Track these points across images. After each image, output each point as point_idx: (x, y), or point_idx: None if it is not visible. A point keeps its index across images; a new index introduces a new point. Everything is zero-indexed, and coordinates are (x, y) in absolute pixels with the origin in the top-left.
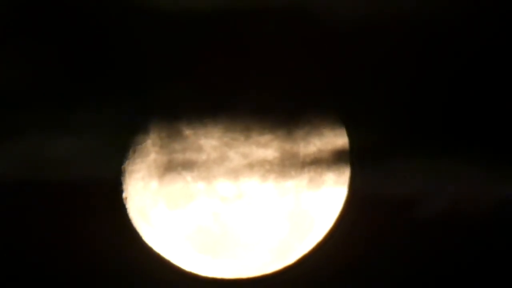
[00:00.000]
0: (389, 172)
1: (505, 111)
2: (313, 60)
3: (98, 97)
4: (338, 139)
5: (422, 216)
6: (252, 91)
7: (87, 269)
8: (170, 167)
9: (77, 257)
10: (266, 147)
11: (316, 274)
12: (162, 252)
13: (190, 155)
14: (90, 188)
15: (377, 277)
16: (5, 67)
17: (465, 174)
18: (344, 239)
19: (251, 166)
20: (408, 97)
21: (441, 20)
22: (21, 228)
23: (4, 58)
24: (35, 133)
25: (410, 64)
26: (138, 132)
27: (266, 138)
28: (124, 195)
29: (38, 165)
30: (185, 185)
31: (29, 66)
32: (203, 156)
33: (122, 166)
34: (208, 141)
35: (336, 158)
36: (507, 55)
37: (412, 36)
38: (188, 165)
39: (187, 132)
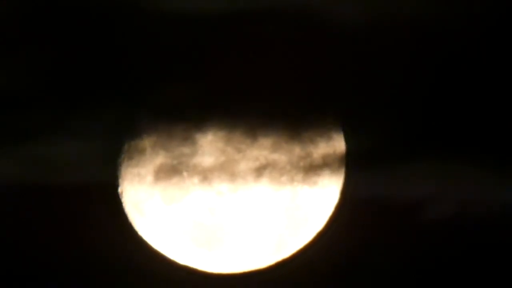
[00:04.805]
0: (391, 175)
1: (510, 112)
2: (312, 64)
3: (97, 95)
4: (336, 142)
5: (427, 219)
6: (252, 93)
7: (83, 264)
8: (166, 162)
9: (73, 252)
10: (264, 147)
11: (311, 268)
12: (158, 247)
13: (187, 151)
14: (86, 183)
15: (372, 273)
16: (5, 71)
17: (471, 177)
18: (339, 235)
19: (248, 162)
20: (409, 100)
21: (441, 24)
22: (20, 227)
23: (4, 61)
24: (36, 135)
25: (410, 68)
26: (135, 128)
27: (265, 138)
28: (119, 189)
29: (37, 165)
30: (181, 180)
31: (28, 69)
32: (199, 152)
33: (118, 161)
34: (205, 137)
35: (333, 161)
36: None
37: (412, 40)
38: (184, 160)
39: (184, 128)
